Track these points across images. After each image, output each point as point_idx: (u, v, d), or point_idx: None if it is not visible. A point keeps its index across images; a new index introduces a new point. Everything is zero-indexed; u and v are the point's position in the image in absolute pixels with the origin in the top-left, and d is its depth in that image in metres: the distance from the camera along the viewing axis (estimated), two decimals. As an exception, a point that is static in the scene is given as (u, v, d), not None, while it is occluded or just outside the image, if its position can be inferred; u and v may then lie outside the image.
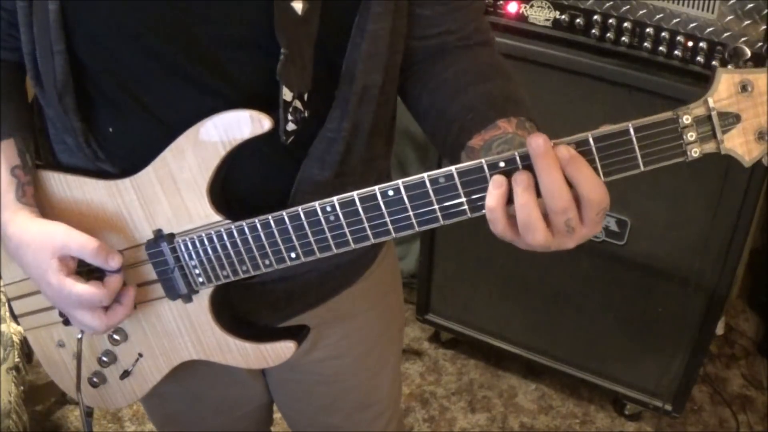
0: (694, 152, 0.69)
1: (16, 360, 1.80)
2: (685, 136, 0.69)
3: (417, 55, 0.93)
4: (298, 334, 0.95)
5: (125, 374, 0.99)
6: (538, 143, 0.69)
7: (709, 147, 0.69)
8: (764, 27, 1.45)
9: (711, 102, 0.68)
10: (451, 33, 0.92)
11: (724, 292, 1.77)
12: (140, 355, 0.98)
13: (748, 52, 0.68)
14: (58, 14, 0.79)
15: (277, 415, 1.33)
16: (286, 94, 0.81)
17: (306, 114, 0.83)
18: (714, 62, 1.52)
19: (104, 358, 0.98)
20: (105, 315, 0.88)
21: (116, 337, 0.96)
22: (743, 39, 1.48)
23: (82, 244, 0.86)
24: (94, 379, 1.00)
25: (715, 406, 2.20)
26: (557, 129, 1.94)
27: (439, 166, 2.16)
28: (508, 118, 0.83)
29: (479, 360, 2.34)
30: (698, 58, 1.54)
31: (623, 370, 2.02)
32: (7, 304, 1.01)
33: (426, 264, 2.14)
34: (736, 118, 0.68)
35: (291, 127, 0.83)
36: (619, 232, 1.81)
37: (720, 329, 2.32)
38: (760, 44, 1.46)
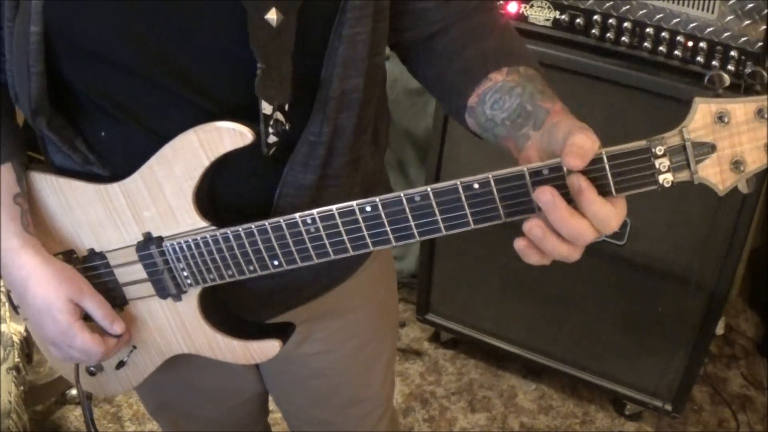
0: (666, 182, 0.70)
1: (16, 360, 1.80)
2: (657, 166, 0.69)
3: (421, 40, 0.93)
4: (284, 331, 0.98)
5: (121, 364, 1.02)
6: (546, 199, 0.69)
7: (683, 176, 0.70)
8: (764, 27, 1.45)
9: (686, 132, 0.69)
10: (454, 15, 0.92)
11: (724, 292, 1.77)
12: (134, 347, 1.00)
13: (727, 80, 0.69)
14: (40, 36, 0.78)
15: (277, 415, 1.33)
16: (266, 108, 0.81)
17: (287, 126, 0.84)
18: (714, 62, 1.52)
19: None
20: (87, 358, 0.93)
21: None
22: (743, 39, 1.48)
23: (97, 303, 0.91)
24: (92, 368, 1.03)
25: (715, 406, 2.20)
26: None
27: (439, 168, 2.13)
28: (500, 68, 0.83)
29: (479, 360, 2.34)
30: (698, 58, 1.54)
31: (623, 370, 2.02)
32: (7, 297, 1.02)
33: (426, 264, 2.14)
34: (711, 148, 0.69)
35: (272, 139, 0.83)
36: (619, 232, 1.81)
37: (720, 329, 2.32)
38: (760, 44, 1.46)
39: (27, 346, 1.85)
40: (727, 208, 1.65)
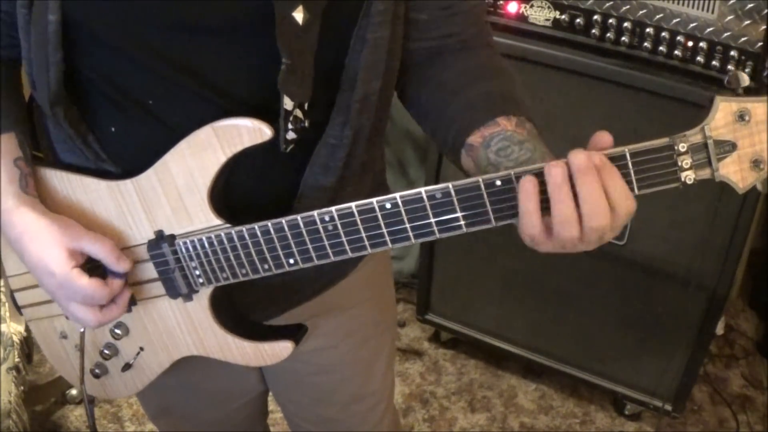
0: (689, 179, 0.71)
1: (16, 360, 1.80)
2: (680, 163, 0.70)
3: (415, 57, 0.93)
4: (295, 333, 0.98)
5: (127, 367, 1.01)
6: (580, 159, 0.69)
7: (704, 174, 0.71)
8: (764, 27, 1.45)
9: (707, 130, 0.69)
10: (450, 36, 0.92)
11: (724, 292, 1.77)
12: (141, 349, 0.99)
13: (747, 80, 0.69)
14: (58, 25, 0.79)
15: (277, 416, 1.33)
16: (287, 104, 0.82)
17: (306, 123, 0.84)
18: (714, 62, 1.52)
19: (106, 351, 1.00)
20: (100, 312, 0.90)
21: (117, 331, 0.98)
22: (743, 39, 1.48)
23: (96, 241, 0.88)
24: (97, 371, 1.02)
25: (715, 406, 2.20)
26: (557, 129, 1.95)
27: (439, 168, 2.14)
28: (508, 116, 0.83)
29: (479, 360, 2.34)
30: (698, 58, 1.54)
31: (623, 370, 2.02)
32: (8, 300, 1.02)
33: (426, 264, 2.14)
34: (732, 146, 0.70)
35: (291, 135, 0.84)
36: (620, 232, 1.80)
37: (720, 329, 2.32)
38: (760, 44, 1.46)
39: (27, 346, 1.85)
40: (727, 209, 1.65)
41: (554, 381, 2.25)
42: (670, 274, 1.80)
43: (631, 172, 0.70)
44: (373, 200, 0.77)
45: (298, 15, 0.78)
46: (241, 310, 1.00)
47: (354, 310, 1.14)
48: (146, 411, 1.27)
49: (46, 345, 1.05)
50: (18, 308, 1.02)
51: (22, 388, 1.77)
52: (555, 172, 0.70)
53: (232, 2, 0.78)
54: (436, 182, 1.97)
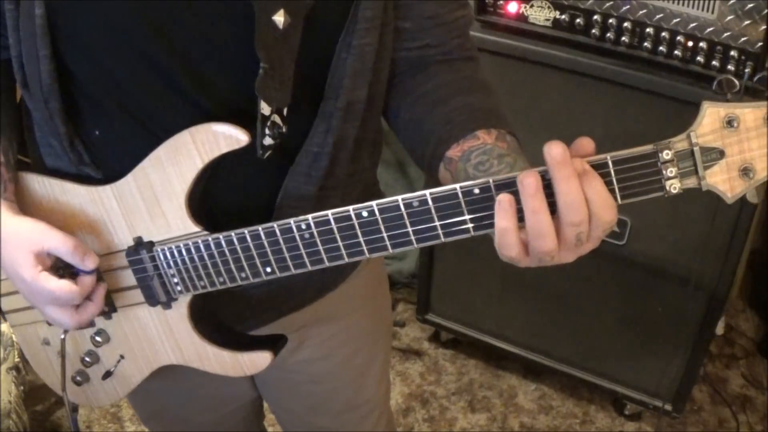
0: (673, 188, 0.68)
1: (16, 360, 1.80)
2: (664, 171, 0.67)
3: (397, 67, 0.92)
4: (276, 343, 0.96)
5: (107, 374, 1.00)
6: (558, 151, 0.66)
7: (690, 182, 0.68)
8: (764, 27, 1.45)
9: (694, 137, 0.66)
10: (432, 47, 0.91)
11: (724, 292, 1.77)
12: (122, 357, 0.98)
13: (737, 84, 0.67)
14: (44, 19, 0.79)
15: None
16: (264, 109, 0.80)
17: (284, 129, 0.83)
18: (714, 62, 1.52)
19: (87, 359, 0.99)
20: (76, 312, 0.89)
21: (98, 338, 0.97)
22: (743, 39, 1.48)
23: (59, 241, 0.86)
24: (78, 378, 1.01)
25: (715, 406, 2.20)
26: (557, 129, 1.94)
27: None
28: (488, 129, 0.82)
29: (479, 360, 2.34)
30: (698, 58, 1.54)
31: (623, 370, 2.02)
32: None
33: (426, 264, 2.14)
34: (720, 154, 0.66)
35: (268, 141, 0.82)
36: (619, 232, 1.81)
37: (720, 329, 2.31)
38: (760, 44, 1.46)
39: (27, 346, 1.85)
40: (727, 208, 1.65)
41: (554, 381, 2.25)
42: (670, 274, 1.80)
43: (614, 180, 0.68)
44: (350, 208, 0.76)
45: (279, 18, 0.76)
46: (227, 320, 0.98)
47: (347, 320, 1.13)
48: (139, 414, 1.26)
49: (30, 352, 1.04)
50: (2, 314, 1.01)
51: (22, 388, 1.77)
52: (527, 181, 0.67)
53: (212, 4, 0.77)
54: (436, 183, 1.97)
